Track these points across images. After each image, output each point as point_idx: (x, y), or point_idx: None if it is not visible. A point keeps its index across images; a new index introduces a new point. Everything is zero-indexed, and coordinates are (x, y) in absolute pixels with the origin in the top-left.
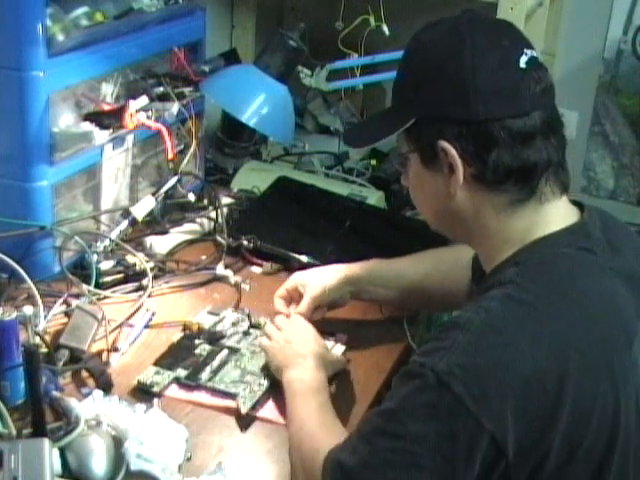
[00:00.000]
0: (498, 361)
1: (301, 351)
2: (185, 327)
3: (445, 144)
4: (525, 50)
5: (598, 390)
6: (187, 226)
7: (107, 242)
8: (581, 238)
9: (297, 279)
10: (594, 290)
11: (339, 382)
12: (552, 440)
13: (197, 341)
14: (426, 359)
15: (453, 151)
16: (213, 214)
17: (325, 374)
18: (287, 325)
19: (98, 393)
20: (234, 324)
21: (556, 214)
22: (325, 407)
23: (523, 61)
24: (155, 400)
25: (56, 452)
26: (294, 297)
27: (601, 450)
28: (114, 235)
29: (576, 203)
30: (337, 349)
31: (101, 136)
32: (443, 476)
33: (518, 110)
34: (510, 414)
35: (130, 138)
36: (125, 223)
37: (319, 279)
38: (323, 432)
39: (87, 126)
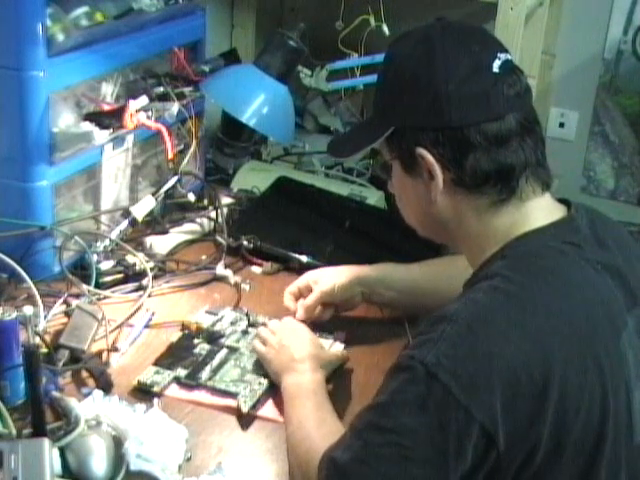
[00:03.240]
0: (485, 351)
1: (297, 355)
2: (184, 326)
3: (422, 151)
4: (498, 54)
5: (585, 380)
6: (187, 226)
7: (107, 242)
8: (568, 233)
9: (309, 277)
10: (580, 282)
11: (339, 382)
12: (541, 430)
13: (196, 340)
14: (415, 352)
15: (431, 158)
16: (213, 214)
17: (323, 375)
18: (281, 329)
19: (98, 393)
20: (233, 323)
21: (539, 210)
22: (323, 408)
23: (496, 65)
24: (155, 400)
25: (56, 452)
26: (305, 295)
27: (591, 442)
28: (114, 235)
29: (563, 201)
30: (336, 347)
31: (101, 136)
32: (435, 468)
33: (492, 114)
34: (499, 403)
35: (130, 138)
36: (125, 223)
37: (331, 276)
38: (320, 432)
39: (87, 126)
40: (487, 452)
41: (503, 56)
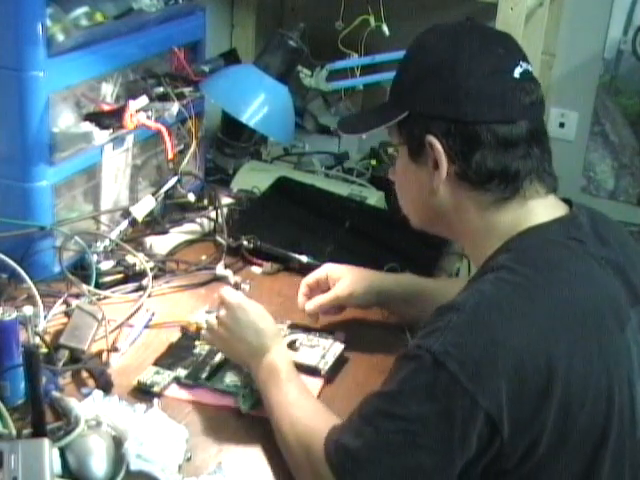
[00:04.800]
0: (491, 339)
1: (250, 338)
2: (183, 328)
3: (432, 139)
4: (521, 62)
5: (591, 371)
6: (187, 226)
7: (107, 242)
8: (571, 229)
9: (330, 271)
10: (585, 276)
11: (339, 382)
12: (545, 419)
13: (196, 341)
14: (422, 341)
15: (439, 146)
16: (213, 214)
17: (283, 345)
18: (226, 313)
19: (98, 393)
20: None
21: (542, 208)
22: (296, 385)
23: (517, 72)
24: (155, 400)
25: (56, 452)
26: (322, 288)
27: (596, 434)
28: (114, 235)
29: (564, 200)
30: (336, 347)
31: (101, 136)
32: (441, 454)
33: (506, 117)
34: (505, 391)
35: (130, 138)
36: (125, 223)
37: (350, 282)
38: (302, 413)
39: (87, 126)
40: (491, 439)
41: (525, 65)
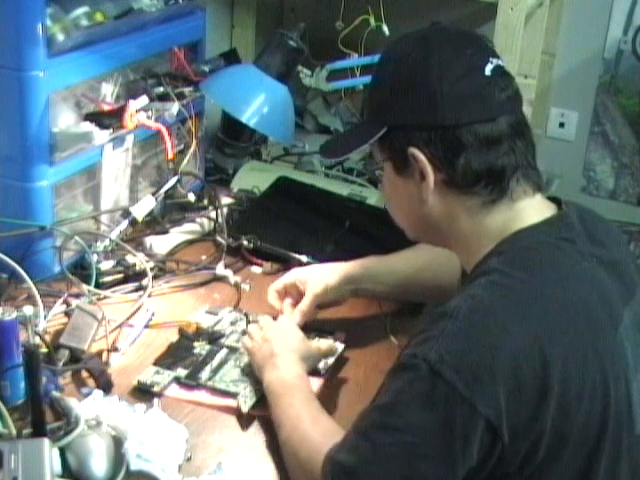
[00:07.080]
0: (487, 344)
1: (277, 350)
2: (181, 330)
3: (415, 150)
4: (491, 59)
5: (586, 371)
6: (187, 226)
7: (107, 242)
8: (561, 229)
9: (297, 276)
10: (577, 275)
11: (340, 382)
12: (544, 421)
13: (196, 341)
14: (417, 350)
15: (422, 157)
16: (213, 214)
17: (303, 368)
18: (268, 324)
19: (98, 393)
20: (232, 323)
21: (530, 209)
22: (311, 404)
23: (488, 69)
24: (155, 400)
25: (56, 452)
26: (291, 293)
27: (594, 433)
28: (114, 235)
29: (553, 199)
30: (335, 346)
31: (101, 136)
32: (443, 463)
33: (484, 115)
34: (503, 396)
35: (130, 138)
36: (125, 223)
37: (320, 278)
38: (317, 432)
39: (87, 126)
40: (492, 446)
41: (495, 61)
